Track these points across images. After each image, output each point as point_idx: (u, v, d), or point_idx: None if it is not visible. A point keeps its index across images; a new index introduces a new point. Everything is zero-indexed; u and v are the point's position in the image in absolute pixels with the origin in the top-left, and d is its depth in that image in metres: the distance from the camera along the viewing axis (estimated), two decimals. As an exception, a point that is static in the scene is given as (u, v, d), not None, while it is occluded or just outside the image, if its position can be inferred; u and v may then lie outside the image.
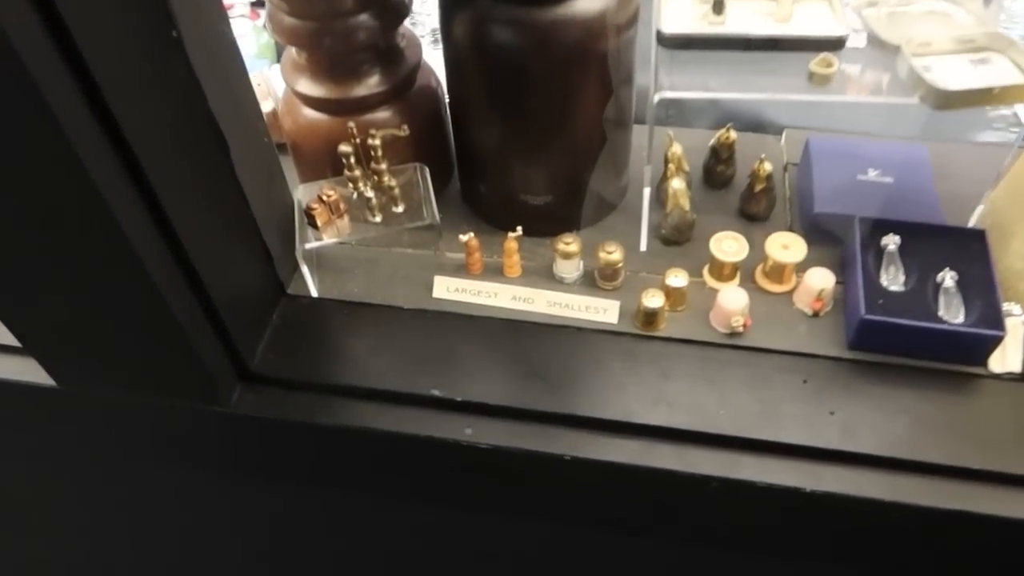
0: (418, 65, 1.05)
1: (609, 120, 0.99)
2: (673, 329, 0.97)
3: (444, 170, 1.15)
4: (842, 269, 0.99)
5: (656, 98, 0.90)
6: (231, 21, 0.83)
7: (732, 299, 0.94)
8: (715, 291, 0.99)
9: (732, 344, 0.95)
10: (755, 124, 1.22)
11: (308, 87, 1.00)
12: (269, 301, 1.01)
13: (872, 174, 1.05)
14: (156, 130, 0.74)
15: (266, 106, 1.19)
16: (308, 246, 0.97)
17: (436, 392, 0.92)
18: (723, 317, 0.95)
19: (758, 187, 1.05)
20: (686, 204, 1.03)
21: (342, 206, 1.00)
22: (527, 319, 0.99)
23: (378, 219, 0.99)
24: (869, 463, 0.85)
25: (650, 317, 0.95)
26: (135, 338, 0.87)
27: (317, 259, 1.07)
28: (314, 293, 1.03)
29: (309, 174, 1.08)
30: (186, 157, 0.79)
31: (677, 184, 1.02)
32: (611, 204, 1.12)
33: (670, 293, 0.96)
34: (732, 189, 1.14)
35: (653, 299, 0.94)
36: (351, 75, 0.99)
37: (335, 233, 0.99)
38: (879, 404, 0.88)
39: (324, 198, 0.97)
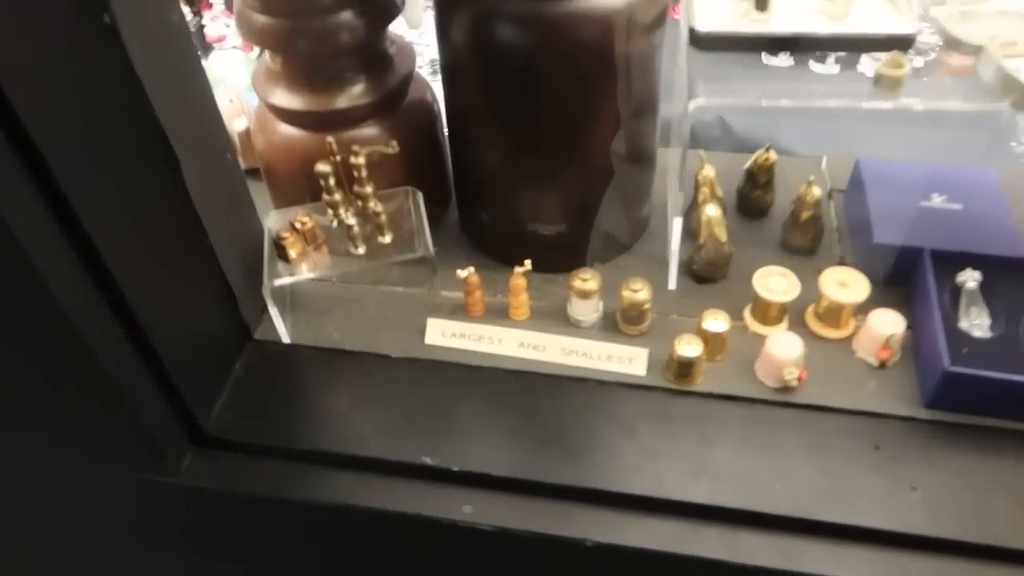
0: (410, 76, 0.91)
1: (632, 136, 0.85)
2: (712, 383, 0.81)
3: (440, 195, 1.01)
4: (910, 311, 0.83)
5: (691, 106, 0.76)
6: (223, 53, 0.69)
7: (785, 347, 0.78)
8: (759, 337, 0.84)
9: (784, 401, 0.79)
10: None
11: (283, 98, 0.86)
12: (231, 348, 0.85)
13: (937, 200, 0.90)
14: (78, 135, 0.59)
15: (239, 125, 1.04)
16: (278, 282, 0.82)
17: (429, 460, 0.76)
18: (773, 368, 0.79)
19: (804, 215, 0.90)
20: (722, 234, 0.88)
21: (319, 236, 0.85)
22: (538, 370, 0.83)
23: (361, 251, 0.84)
24: (962, 552, 0.69)
25: (685, 368, 0.80)
26: (60, 397, 0.71)
27: (290, 298, 0.91)
28: (285, 338, 0.87)
29: (284, 200, 0.93)
30: (121, 170, 0.65)
31: (712, 211, 0.88)
32: (633, 235, 0.97)
33: (708, 339, 0.81)
34: (771, 219, 1.00)
35: (689, 346, 0.79)
36: (332, 84, 0.85)
37: (311, 267, 0.84)
38: (969, 478, 0.73)
39: (298, 226, 0.82)
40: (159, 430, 0.75)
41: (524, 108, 0.80)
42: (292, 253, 0.82)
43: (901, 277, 0.86)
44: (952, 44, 0.77)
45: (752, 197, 0.98)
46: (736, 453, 0.76)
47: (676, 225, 0.84)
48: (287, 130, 0.89)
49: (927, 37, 0.82)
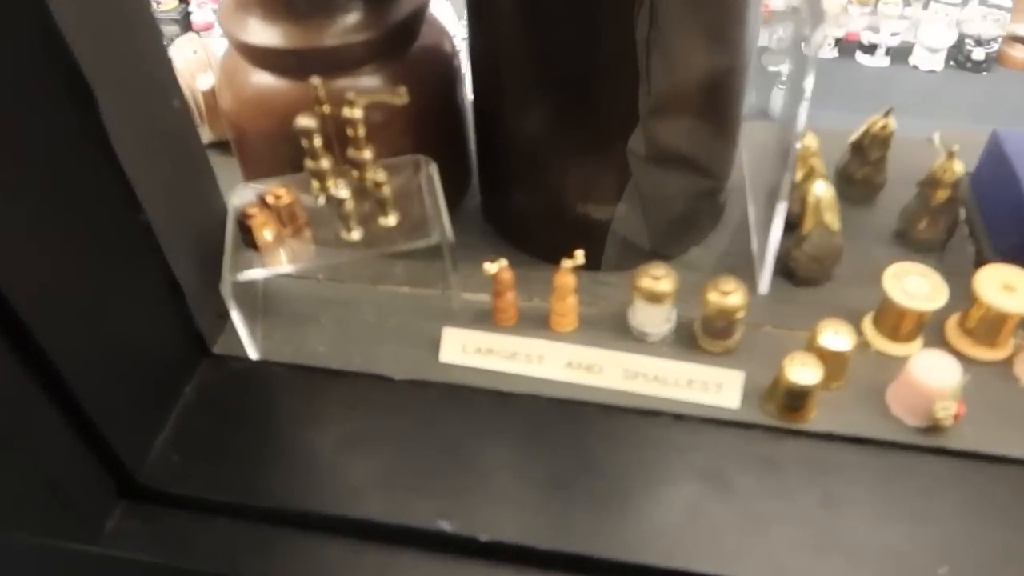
0: (422, 11, 0.70)
1: (718, 89, 0.64)
2: (831, 419, 0.60)
3: (458, 174, 0.79)
4: (1093, 324, 0.62)
5: (819, 35, 0.54)
6: (211, 41, 0.49)
7: (937, 371, 0.57)
8: (887, 357, 0.63)
9: (936, 447, 0.58)
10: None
11: (257, 33, 0.65)
12: (178, 367, 0.63)
13: (1113, 181, 0.69)
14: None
15: (205, 83, 0.83)
16: (242, 277, 0.61)
17: (446, 525, 0.55)
18: (918, 401, 0.58)
19: (938, 198, 0.69)
20: (834, 221, 0.67)
21: (300, 216, 0.64)
22: (591, 398, 0.62)
23: (356, 236, 0.63)
24: None
25: (797, 399, 0.58)
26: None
27: (262, 300, 0.70)
28: (253, 354, 0.65)
29: (258, 173, 0.72)
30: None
31: (821, 190, 0.66)
32: (704, 224, 0.76)
33: (825, 359, 0.59)
34: (879, 205, 0.78)
35: (804, 370, 0.57)
36: (319, 14, 0.64)
37: (288, 258, 0.62)
38: None
39: (270, 201, 0.61)
40: (71, 478, 0.54)
41: (581, 48, 0.59)
42: (263, 237, 0.60)
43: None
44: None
45: (858, 177, 0.77)
46: (876, 519, 0.54)
47: (781, 209, 0.63)
48: (261, 78, 0.68)
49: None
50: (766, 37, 0.70)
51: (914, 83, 1.97)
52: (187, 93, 0.85)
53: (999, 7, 1.94)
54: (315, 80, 0.59)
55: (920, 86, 1.97)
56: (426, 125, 0.71)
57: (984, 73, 1.98)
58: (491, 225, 0.78)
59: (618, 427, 0.61)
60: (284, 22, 0.64)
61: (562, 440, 0.60)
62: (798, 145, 0.59)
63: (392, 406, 0.63)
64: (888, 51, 2.03)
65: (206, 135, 0.86)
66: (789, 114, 0.65)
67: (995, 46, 1.96)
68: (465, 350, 0.64)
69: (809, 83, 0.56)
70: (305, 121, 0.60)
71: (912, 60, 2.03)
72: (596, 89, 0.61)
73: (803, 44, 0.58)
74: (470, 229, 0.77)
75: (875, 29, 1.97)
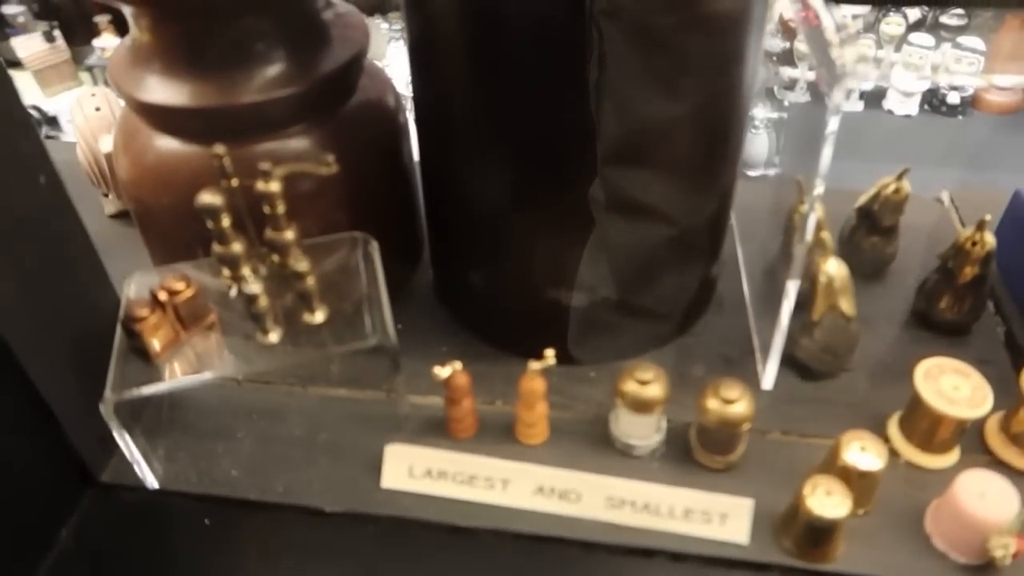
0: (359, 60, 0.59)
1: (709, 151, 0.54)
2: (861, 556, 0.49)
3: (406, 246, 0.68)
4: None
5: (847, 59, 0.44)
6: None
7: (992, 498, 0.46)
8: (921, 472, 0.52)
9: (993, 593, 0.47)
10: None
11: (157, 90, 0.54)
12: (53, 503, 0.51)
13: None
14: None
15: (108, 144, 0.72)
16: (125, 396, 0.48)
17: None
18: (969, 535, 0.47)
19: (966, 274, 0.59)
20: (850, 306, 0.56)
21: (206, 311, 0.52)
22: (569, 533, 0.50)
23: (274, 337, 0.51)
24: None
25: (821, 535, 0.47)
26: None
27: (167, 411, 0.57)
28: (151, 482, 0.53)
29: (167, 257, 0.60)
30: None
31: (834, 269, 0.56)
32: (694, 308, 0.65)
33: (850, 480, 0.49)
34: (890, 280, 0.69)
35: (829, 501, 0.46)
36: (233, 65, 0.53)
37: (185, 369, 0.50)
38: None
39: (163, 298, 0.49)
40: None
41: (548, 107, 0.48)
42: (153, 344, 0.48)
43: None
44: None
45: (866, 247, 0.67)
46: None
47: (791, 289, 0.52)
48: (165, 144, 0.56)
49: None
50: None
51: (889, 127, 1.92)
52: (86, 157, 0.74)
53: (973, 50, 1.90)
54: (218, 148, 0.47)
55: (895, 130, 1.91)
56: (367, 194, 0.60)
57: (960, 117, 1.93)
58: (446, 308, 0.67)
59: (601, 570, 0.49)
60: (189, 76, 0.53)
61: (533, 589, 0.48)
62: (815, 215, 0.49)
63: (322, 547, 0.51)
64: (862, 95, 1.98)
65: (112, 206, 0.74)
66: (790, 169, 0.56)
67: (970, 90, 1.91)
68: (412, 473, 0.53)
69: (829, 145, 0.46)
70: (208, 198, 0.48)
71: (886, 104, 1.97)
72: (561, 147, 0.50)
73: (789, 93, 0.48)
74: (421, 313, 0.66)
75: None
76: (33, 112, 1.92)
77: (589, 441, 0.55)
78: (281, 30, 0.53)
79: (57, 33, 2.17)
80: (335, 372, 0.60)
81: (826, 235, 0.59)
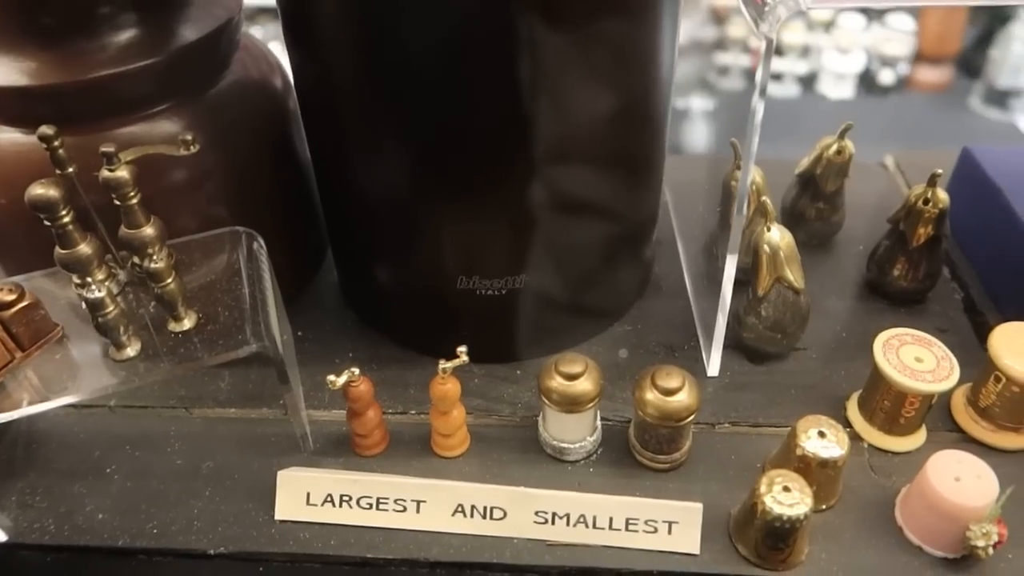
0: (232, 27, 0.52)
1: (634, 123, 0.48)
2: (829, 557, 0.43)
3: (305, 245, 0.61)
4: None
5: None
6: None
7: (968, 483, 0.41)
8: (886, 456, 0.47)
9: (977, 587, 0.41)
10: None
11: (-18, 71, 0.46)
12: None
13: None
14: None
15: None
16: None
17: None
18: (945, 525, 0.41)
19: (919, 237, 0.54)
20: (797, 277, 0.51)
21: (47, 327, 0.43)
22: (495, 557, 0.43)
23: (131, 351, 0.43)
24: None
25: (783, 537, 0.41)
26: None
27: (22, 448, 0.49)
28: (-3, 535, 0.44)
29: (15, 264, 0.52)
30: None
31: (776, 237, 0.50)
32: (634, 286, 0.59)
33: (810, 472, 0.43)
34: (838, 251, 0.64)
35: (787, 497, 0.40)
36: (75, 31, 0.45)
37: (25, 393, 0.42)
38: None
39: (-13, 312, 0.41)
40: None
41: (446, 87, 0.42)
42: (-23, 368, 0.40)
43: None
44: None
45: (811, 215, 0.61)
46: None
47: (730, 266, 0.46)
48: (2, 137, 0.48)
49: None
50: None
51: (825, 110, 1.90)
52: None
53: (903, 31, 1.90)
54: (46, 129, 0.40)
55: (832, 113, 1.90)
56: (251, 187, 0.53)
57: (894, 96, 1.93)
58: (353, 311, 0.59)
59: (535, 597, 0.42)
60: (22, 50, 0.45)
61: (456, 626, 0.41)
62: (749, 180, 0.43)
63: (206, 596, 0.43)
64: (799, 80, 1.96)
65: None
66: (722, 144, 0.50)
67: (904, 69, 1.91)
68: (311, 500, 0.45)
69: (760, 108, 0.40)
70: (39, 191, 0.40)
71: (820, 88, 1.96)
72: (467, 121, 0.44)
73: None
74: (325, 318, 0.59)
75: (779, 53, 1.90)
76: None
77: (516, 449, 0.49)
78: (129, -7, 0.45)
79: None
80: (224, 390, 0.52)
81: (767, 200, 0.53)
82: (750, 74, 0.43)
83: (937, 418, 0.50)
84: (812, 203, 0.61)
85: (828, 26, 1.93)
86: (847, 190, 0.62)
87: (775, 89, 1.95)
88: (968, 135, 1.79)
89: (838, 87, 1.95)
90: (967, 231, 0.61)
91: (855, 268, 0.61)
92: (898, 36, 1.89)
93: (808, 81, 1.97)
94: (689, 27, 0.56)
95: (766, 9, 0.39)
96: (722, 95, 0.84)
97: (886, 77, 1.91)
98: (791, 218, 0.62)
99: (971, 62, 1.93)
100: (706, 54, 0.81)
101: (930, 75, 1.93)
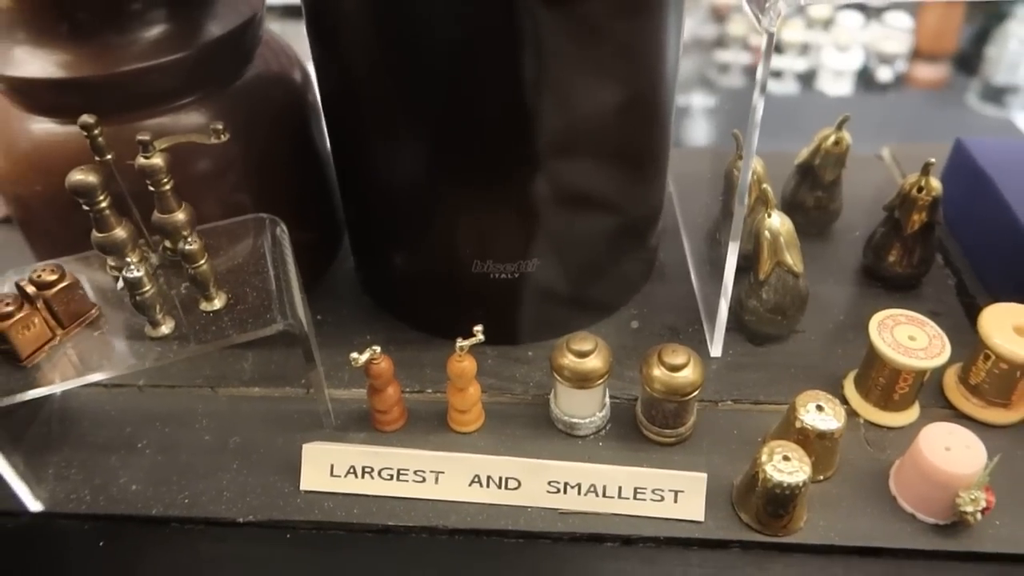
0: (254, 24, 0.54)
1: (640, 118, 0.50)
2: (826, 524, 0.45)
3: (322, 233, 0.63)
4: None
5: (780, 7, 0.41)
6: None
7: (957, 451, 0.43)
8: (881, 431, 0.49)
9: (964, 551, 0.44)
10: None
11: (25, 63, 0.48)
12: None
13: (1105, 189, 0.58)
14: None
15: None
16: (-3, 405, 0.42)
17: None
18: (936, 492, 0.44)
19: (913, 223, 0.57)
20: (796, 262, 0.53)
21: (85, 306, 0.46)
22: (510, 524, 0.46)
23: (166, 329, 0.45)
24: None
25: (782, 504, 0.43)
26: None
27: (57, 424, 0.51)
28: (33, 504, 0.47)
29: (48, 251, 0.54)
30: None
31: (776, 223, 0.53)
32: (641, 272, 0.61)
33: (809, 444, 0.45)
34: (836, 238, 0.66)
35: (786, 466, 0.43)
36: (107, 27, 0.48)
37: (66, 370, 0.44)
38: None
39: (30, 291, 0.43)
40: None
41: (468, 86, 0.44)
42: (19, 345, 0.42)
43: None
44: None
45: (810, 204, 0.64)
46: (910, 671, 0.39)
47: (731, 252, 0.49)
48: (39, 127, 0.50)
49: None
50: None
51: (824, 107, 1.92)
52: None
53: (901, 29, 1.92)
54: (87, 118, 0.42)
55: (831, 110, 1.92)
56: (272, 175, 0.55)
57: (892, 93, 1.95)
58: (369, 296, 0.62)
59: (547, 562, 0.44)
60: (59, 45, 0.47)
61: (474, 588, 0.44)
62: (750, 171, 0.45)
63: (235, 561, 0.45)
64: (798, 77, 1.98)
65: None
66: (723, 137, 0.52)
67: (902, 67, 1.93)
68: (335, 472, 0.47)
69: (760, 104, 0.43)
70: (80, 177, 0.42)
71: (819, 85, 1.98)
72: (481, 112, 0.46)
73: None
74: (343, 303, 0.61)
75: (779, 50, 1.93)
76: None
77: (529, 424, 0.51)
78: (160, -9, 0.48)
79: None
80: (248, 370, 0.55)
81: (767, 188, 0.55)
82: (750, 71, 0.45)
83: (930, 396, 0.52)
84: (811, 192, 0.63)
85: (827, 24, 1.95)
86: (845, 180, 0.65)
87: (774, 86, 1.97)
88: (965, 131, 1.80)
89: (837, 84, 1.97)
90: (960, 219, 0.64)
91: (852, 254, 0.63)
92: (896, 34, 1.91)
93: (807, 78, 1.99)
94: (690, 25, 0.58)
95: (767, 4, 0.41)
96: (723, 92, 0.86)
97: (884, 74, 1.93)
98: (791, 207, 0.64)
99: (968, 59, 1.96)
100: (707, 52, 0.83)
101: (927, 72, 1.95)
